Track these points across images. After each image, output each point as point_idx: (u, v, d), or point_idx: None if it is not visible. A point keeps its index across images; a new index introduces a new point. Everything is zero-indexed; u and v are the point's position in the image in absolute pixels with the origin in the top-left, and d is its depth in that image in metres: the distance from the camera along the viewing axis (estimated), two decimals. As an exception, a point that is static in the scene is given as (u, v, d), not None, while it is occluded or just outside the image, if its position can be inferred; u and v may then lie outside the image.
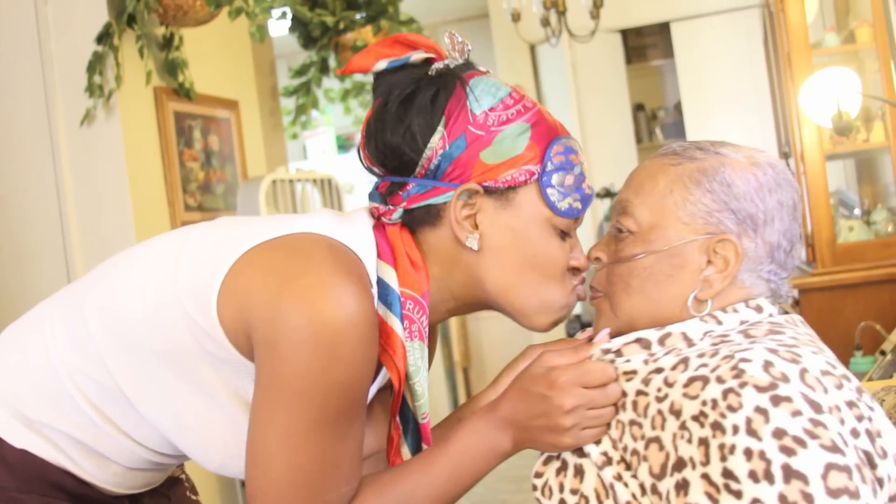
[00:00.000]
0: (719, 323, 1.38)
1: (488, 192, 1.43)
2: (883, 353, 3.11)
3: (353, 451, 1.36)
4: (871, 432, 1.23)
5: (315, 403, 1.29)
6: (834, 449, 1.15)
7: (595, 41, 6.09)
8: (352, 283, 1.31)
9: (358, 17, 4.91)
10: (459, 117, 1.42)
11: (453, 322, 7.55)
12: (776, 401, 1.18)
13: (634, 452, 1.31)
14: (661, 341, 1.38)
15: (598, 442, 1.36)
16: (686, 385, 1.27)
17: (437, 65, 1.47)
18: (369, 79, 4.80)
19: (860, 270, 4.01)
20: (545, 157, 1.44)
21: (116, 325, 1.39)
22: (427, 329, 1.45)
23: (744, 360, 1.23)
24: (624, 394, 1.36)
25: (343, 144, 8.06)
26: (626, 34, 7.58)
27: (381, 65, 1.47)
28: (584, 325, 5.31)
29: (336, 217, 1.46)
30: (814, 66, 4.14)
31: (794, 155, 4.32)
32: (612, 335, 1.45)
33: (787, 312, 1.45)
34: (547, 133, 1.45)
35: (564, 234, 1.48)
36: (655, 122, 8.02)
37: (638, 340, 1.39)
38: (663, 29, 7.36)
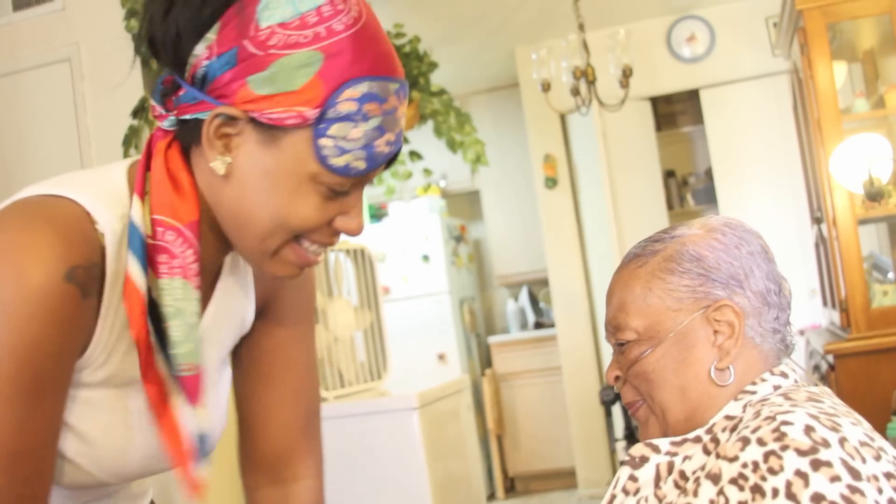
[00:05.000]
0: (754, 393, 1.39)
1: (254, 123, 1.19)
2: (920, 418, 3.08)
3: (40, 441, 1.15)
4: None
5: None
6: None
7: (625, 109, 6.11)
8: (37, 241, 1.12)
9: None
10: (236, 28, 1.16)
11: (486, 390, 7.53)
12: (816, 465, 1.18)
13: None
14: (710, 432, 1.39)
15: None
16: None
17: None
18: (403, 149, 4.83)
19: (895, 335, 3.98)
20: (328, 100, 1.17)
21: None
22: (195, 266, 1.23)
23: (785, 422, 1.23)
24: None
25: (375, 214, 8.10)
26: (656, 101, 7.60)
27: None
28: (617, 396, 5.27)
29: (84, 173, 1.28)
30: (844, 132, 4.15)
31: (826, 220, 4.32)
32: (661, 434, 1.46)
33: (816, 384, 1.46)
34: (346, 69, 1.17)
35: (335, 193, 1.24)
36: (686, 188, 8.02)
37: (685, 440, 1.40)
38: (692, 96, 7.38)
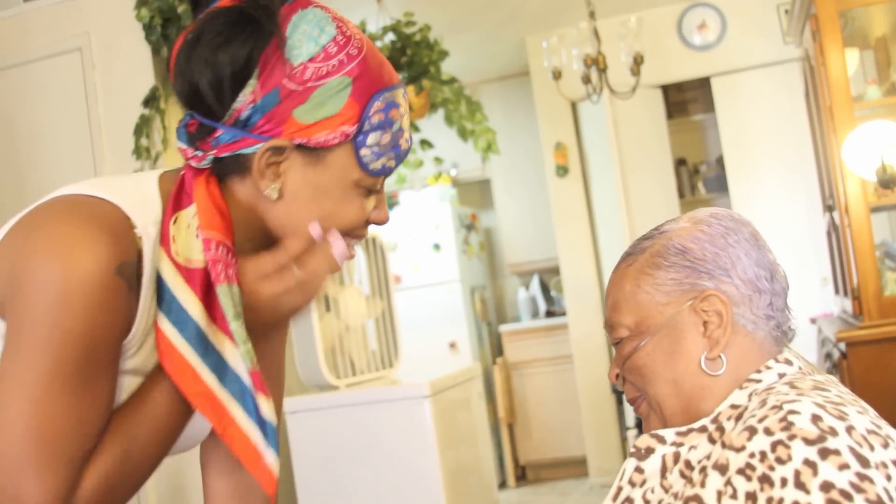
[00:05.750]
0: (759, 382, 1.40)
1: (299, 147, 1.35)
2: (933, 406, 3.08)
3: (99, 409, 1.27)
4: None
5: (51, 355, 1.22)
6: None
7: (636, 97, 6.11)
8: (91, 236, 1.24)
9: (400, 77, 4.95)
10: (275, 69, 1.32)
11: (498, 378, 7.54)
12: (824, 454, 1.18)
13: None
14: (715, 421, 1.39)
15: None
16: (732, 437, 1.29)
17: None
18: (413, 138, 4.80)
19: (908, 323, 3.97)
20: (363, 115, 1.35)
21: None
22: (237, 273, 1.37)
23: (792, 412, 1.24)
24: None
25: (388, 204, 8.11)
26: (667, 89, 7.59)
27: None
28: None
29: (118, 179, 1.39)
30: (856, 120, 4.13)
31: (839, 208, 4.30)
32: (661, 427, 1.48)
33: (820, 371, 1.46)
34: (369, 87, 1.36)
35: (370, 192, 1.42)
36: (698, 176, 8.01)
37: (690, 430, 1.41)
38: (703, 84, 7.36)
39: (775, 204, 6.73)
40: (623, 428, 7.01)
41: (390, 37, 5.12)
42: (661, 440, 1.42)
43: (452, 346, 7.50)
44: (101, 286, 1.24)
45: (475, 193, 8.79)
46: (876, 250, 4.21)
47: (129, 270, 1.28)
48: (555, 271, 8.07)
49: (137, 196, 1.35)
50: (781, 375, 1.40)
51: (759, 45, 6.82)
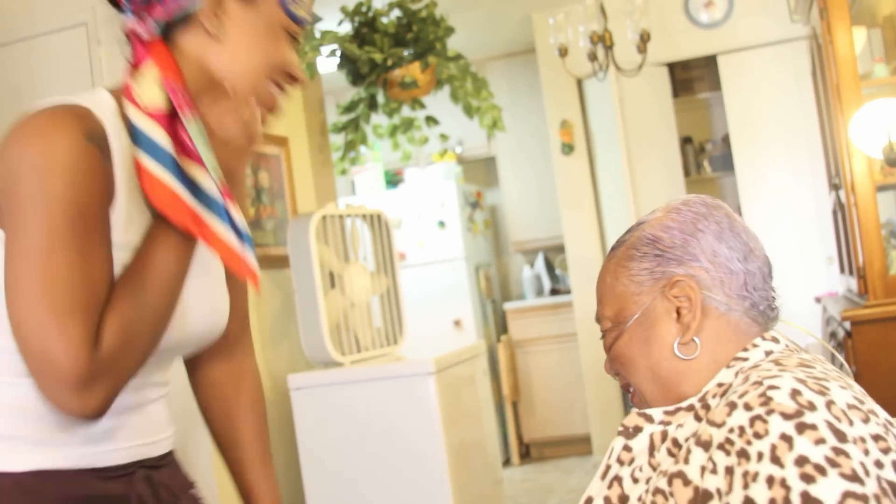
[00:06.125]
0: (746, 360, 1.42)
1: None
2: (937, 385, 3.07)
3: (101, 264, 1.40)
4: None
5: (47, 222, 1.34)
6: (853, 478, 1.17)
7: (642, 75, 6.09)
8: (56, 120, 1.39)
9: (406, 53, 4.94)
10: None
11: (502, 356, 7.54)
12: (801, 428, 1.20)
13: (658, 491, 1.33)
14: (702, 400, 1.41)
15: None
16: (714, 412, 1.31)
17: None
18: (419, 114, 4.80)
19: (913, 302, 3.96)
20: None
21: None
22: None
23: (772, 387, 1.26)
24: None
25: (391, 180, 8.10)
26: (673, 67, 7.57)
27: None
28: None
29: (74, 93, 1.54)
30: (863, 98, 4.12)
31: (845, 186, 4.30)
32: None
33: (808, 351, 1.48)
34: None
35: (291, 40, 1.65)
36: (703, 154, 7.99)
37: (678, 409, 1.43)
38: (710, 62, 7.34)
39: (781, 182, 6.72)
40: (627, 406, 7.02)
41: (396, 13, 5.10)
42: (649, 419, 1.45)
43: (457, 323, 7.51)
44: (76, 153, 1.38)
45: (480, 171, 8.78)
46: (882, 229, 4.20)
47: (98, 138, 1.43)
48: (560, 249, 8.07)
49: (91, 97, 1.50)
50: (768, 353, 1.42)
51: (766, 24, 6.80)
